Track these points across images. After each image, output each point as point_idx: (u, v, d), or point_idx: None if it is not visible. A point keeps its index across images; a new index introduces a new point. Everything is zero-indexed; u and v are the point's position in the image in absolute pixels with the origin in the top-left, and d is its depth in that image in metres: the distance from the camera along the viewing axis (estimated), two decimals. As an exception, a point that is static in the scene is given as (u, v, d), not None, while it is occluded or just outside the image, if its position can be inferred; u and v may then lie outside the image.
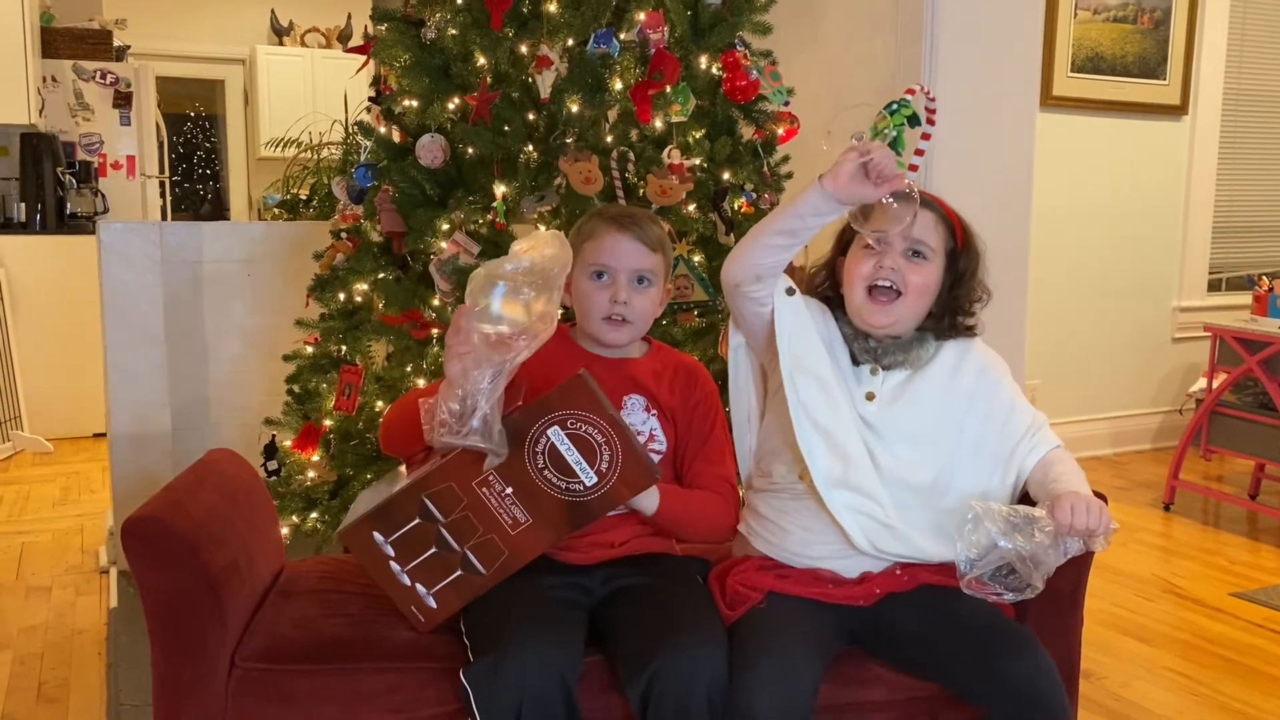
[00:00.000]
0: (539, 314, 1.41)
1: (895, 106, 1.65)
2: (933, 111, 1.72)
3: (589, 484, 1.44)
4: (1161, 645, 2.63)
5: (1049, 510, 1.41)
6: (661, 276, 1.64)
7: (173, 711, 1.48)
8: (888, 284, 1.55)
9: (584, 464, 1.43)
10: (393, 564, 1.48)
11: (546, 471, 1.44)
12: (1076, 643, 1.63)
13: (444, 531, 1.46)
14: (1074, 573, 1.58)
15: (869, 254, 1.57)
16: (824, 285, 1.67)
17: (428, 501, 1.46)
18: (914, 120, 1.65)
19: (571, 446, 1.43)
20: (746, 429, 1.70)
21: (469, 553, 1.47)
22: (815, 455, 1.52)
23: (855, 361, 1.59)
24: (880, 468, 1.53)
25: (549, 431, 1.42)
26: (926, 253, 1.56)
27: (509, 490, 1.44)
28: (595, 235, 1.63)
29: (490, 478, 1.44)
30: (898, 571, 1.51)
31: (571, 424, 1.42)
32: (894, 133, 1.61)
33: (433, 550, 1.47)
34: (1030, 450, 1.58)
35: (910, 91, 1.67)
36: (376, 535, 1.48)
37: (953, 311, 1.61)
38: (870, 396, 1.57)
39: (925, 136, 1.73)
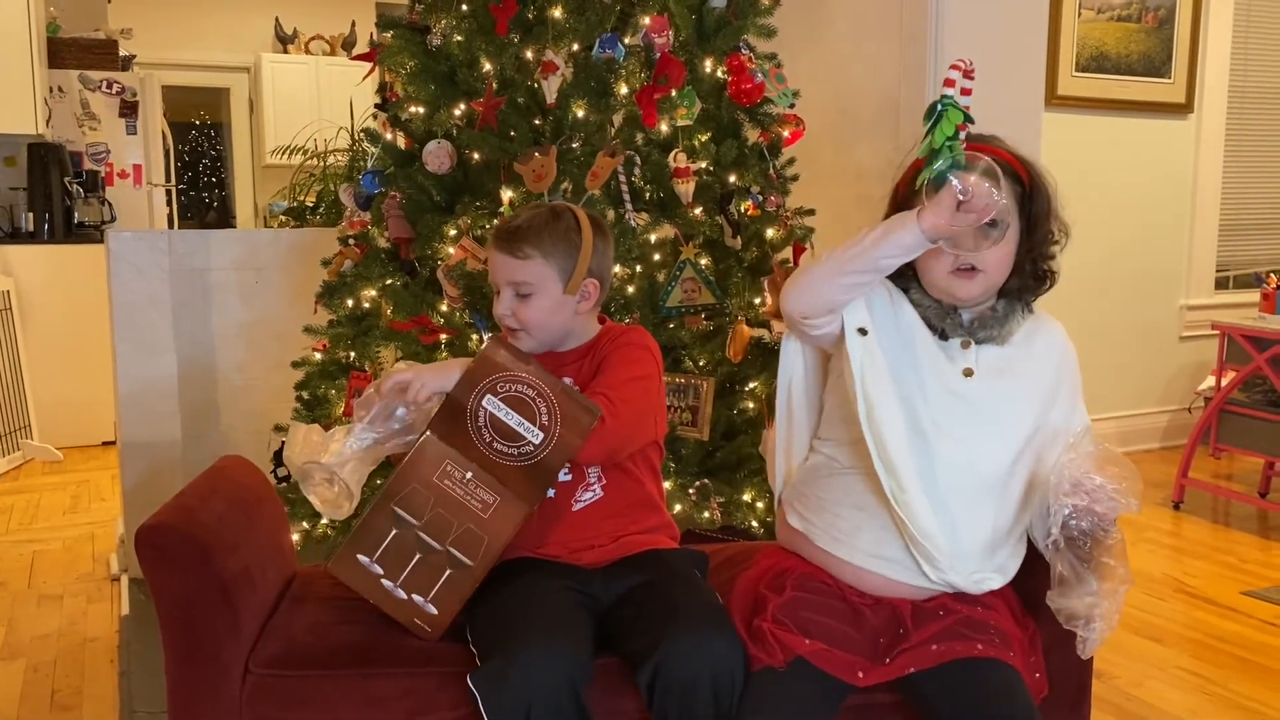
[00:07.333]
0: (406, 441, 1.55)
1: (940, 108, 1.38)
2: (970, 74, 1.43)
3: (537, 442, 1.47)
4: (1173, 644, 2.62)
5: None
6: (545, 281, 1.60)
7: (187, 718, 1.49)
8: (969, 266, 1.48)
9: (526, 424, 1.47)
10: (384, 581, 1.51)
11: (496, 443, 1.47)
12: (1089, 642, 1.62)
13: (422, 535, 1.49)
14: (1086, 572, 1.58)
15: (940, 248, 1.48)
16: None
17: (399, 510, 1.49)
18: (966, 118, 1.40)
19: (510, 410, 1.47)
20: (791, 426, 1.61)
21: (451, 549, 1.49)
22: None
23: (944, 336, 1.51)
24: (951, 462, 1.46)
25: (484, 402, 1.47)
26: (999, 225, 1.47)
27: (469, 475, 1.47)
28: None
29: (449, 467, 1.47)
30: (934, 647, 1.42)
31: (501, 387, 1.47)
32: (949, 153, 1.37)
33: (417, 556, 1.50)
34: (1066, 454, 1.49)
35: (949, 83, 1.40)
36: (361, 558, 1.51)
37: (1032, 259, 1.53)
38: (968, 373, 1.49)
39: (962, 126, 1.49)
